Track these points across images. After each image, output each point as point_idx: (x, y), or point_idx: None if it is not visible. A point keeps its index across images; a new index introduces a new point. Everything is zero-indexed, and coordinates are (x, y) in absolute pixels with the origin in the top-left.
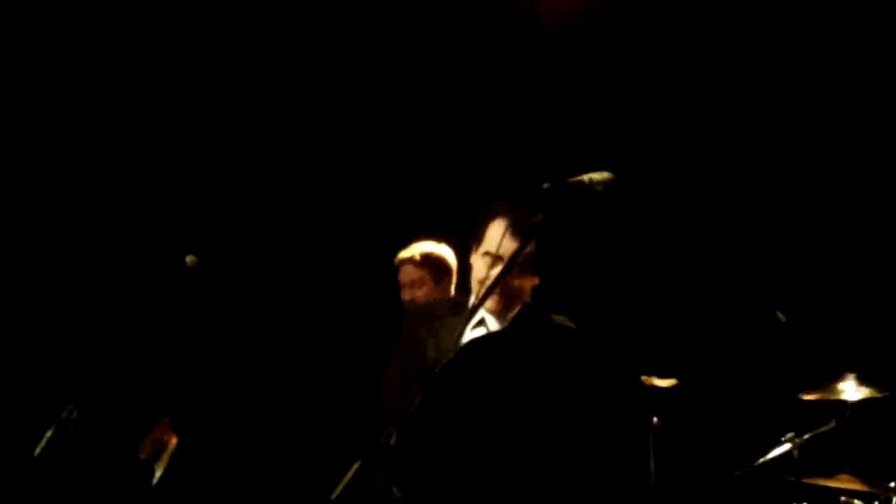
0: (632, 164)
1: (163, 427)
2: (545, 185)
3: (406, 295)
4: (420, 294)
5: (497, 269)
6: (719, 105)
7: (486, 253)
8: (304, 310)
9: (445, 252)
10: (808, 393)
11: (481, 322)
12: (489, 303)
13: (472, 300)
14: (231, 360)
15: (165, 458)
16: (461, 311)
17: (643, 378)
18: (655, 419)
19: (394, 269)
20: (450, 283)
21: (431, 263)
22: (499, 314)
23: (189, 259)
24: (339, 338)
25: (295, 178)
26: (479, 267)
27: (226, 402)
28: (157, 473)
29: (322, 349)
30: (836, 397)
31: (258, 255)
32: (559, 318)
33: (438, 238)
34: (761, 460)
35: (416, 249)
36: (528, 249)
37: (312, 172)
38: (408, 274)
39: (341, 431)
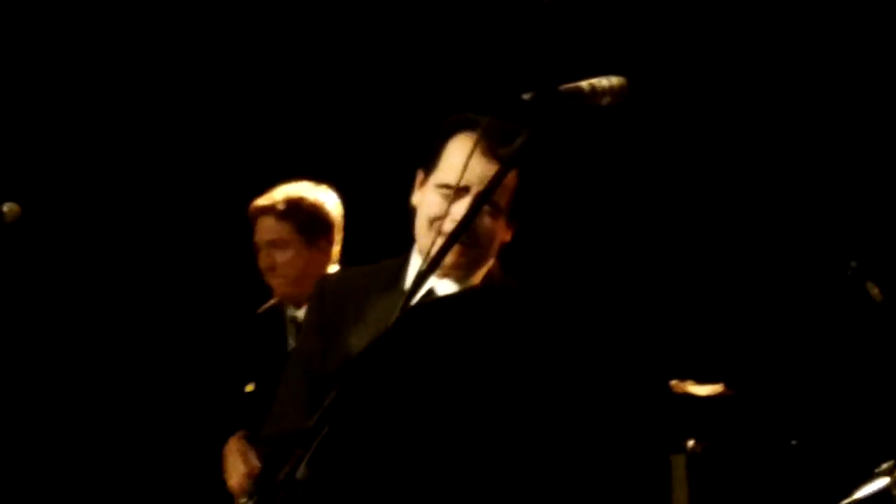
0: (656, 66)
1: None
2: (525, 96)
3: (263, 261)
4: (283, 259)
5: (459, 205)
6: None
7: (441, 185)
8: (159, 290)
9: (324, 197)
10: None
11: (429, 293)
12: (447, 258)
13: (418, 258)
14: (52, 356)
15: None
16: (397, 281)
17: (672, 383)
18: (691, 442)
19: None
20: (330, 243)
21: (301, 214)
22: (457, 276)
23: (7, 208)
24: (212, 335)
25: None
26: (431, 204)
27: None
28: None
29: (184, 348)
30: None
31: (102, 206)
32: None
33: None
34: (846, 503)
35: (280, 195)
36: (505, 179)
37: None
38: (267, 230)
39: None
